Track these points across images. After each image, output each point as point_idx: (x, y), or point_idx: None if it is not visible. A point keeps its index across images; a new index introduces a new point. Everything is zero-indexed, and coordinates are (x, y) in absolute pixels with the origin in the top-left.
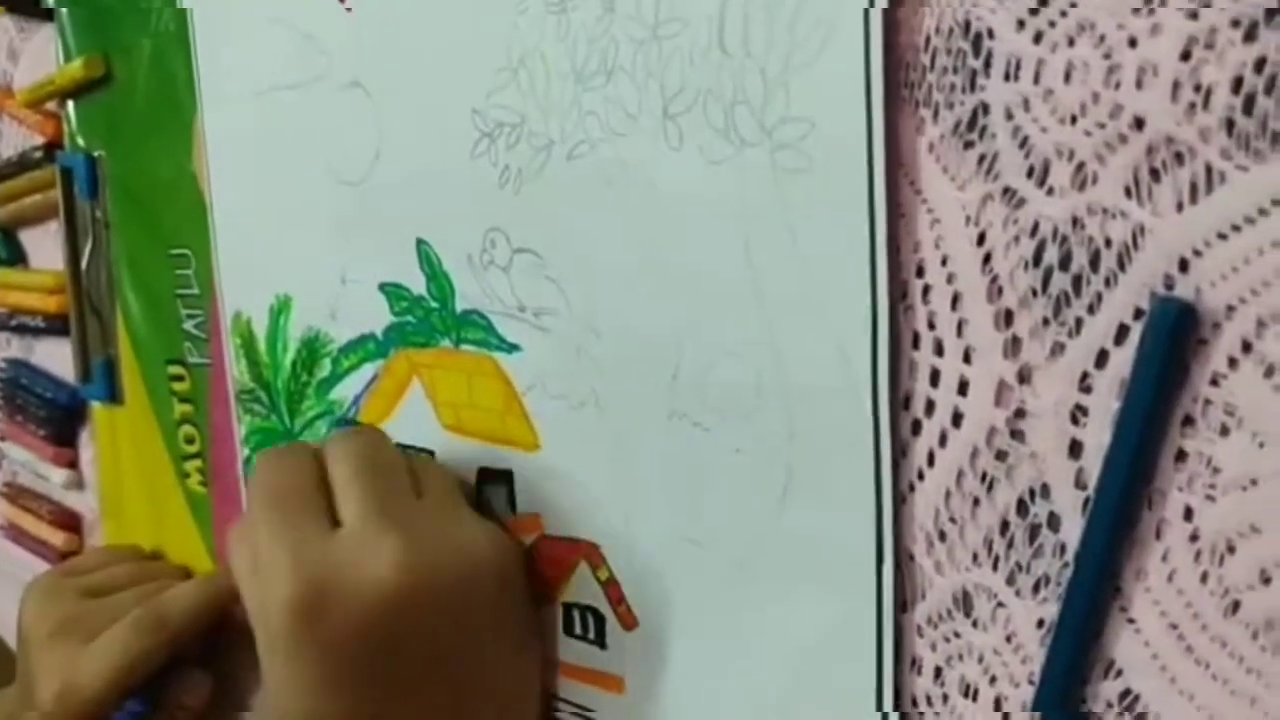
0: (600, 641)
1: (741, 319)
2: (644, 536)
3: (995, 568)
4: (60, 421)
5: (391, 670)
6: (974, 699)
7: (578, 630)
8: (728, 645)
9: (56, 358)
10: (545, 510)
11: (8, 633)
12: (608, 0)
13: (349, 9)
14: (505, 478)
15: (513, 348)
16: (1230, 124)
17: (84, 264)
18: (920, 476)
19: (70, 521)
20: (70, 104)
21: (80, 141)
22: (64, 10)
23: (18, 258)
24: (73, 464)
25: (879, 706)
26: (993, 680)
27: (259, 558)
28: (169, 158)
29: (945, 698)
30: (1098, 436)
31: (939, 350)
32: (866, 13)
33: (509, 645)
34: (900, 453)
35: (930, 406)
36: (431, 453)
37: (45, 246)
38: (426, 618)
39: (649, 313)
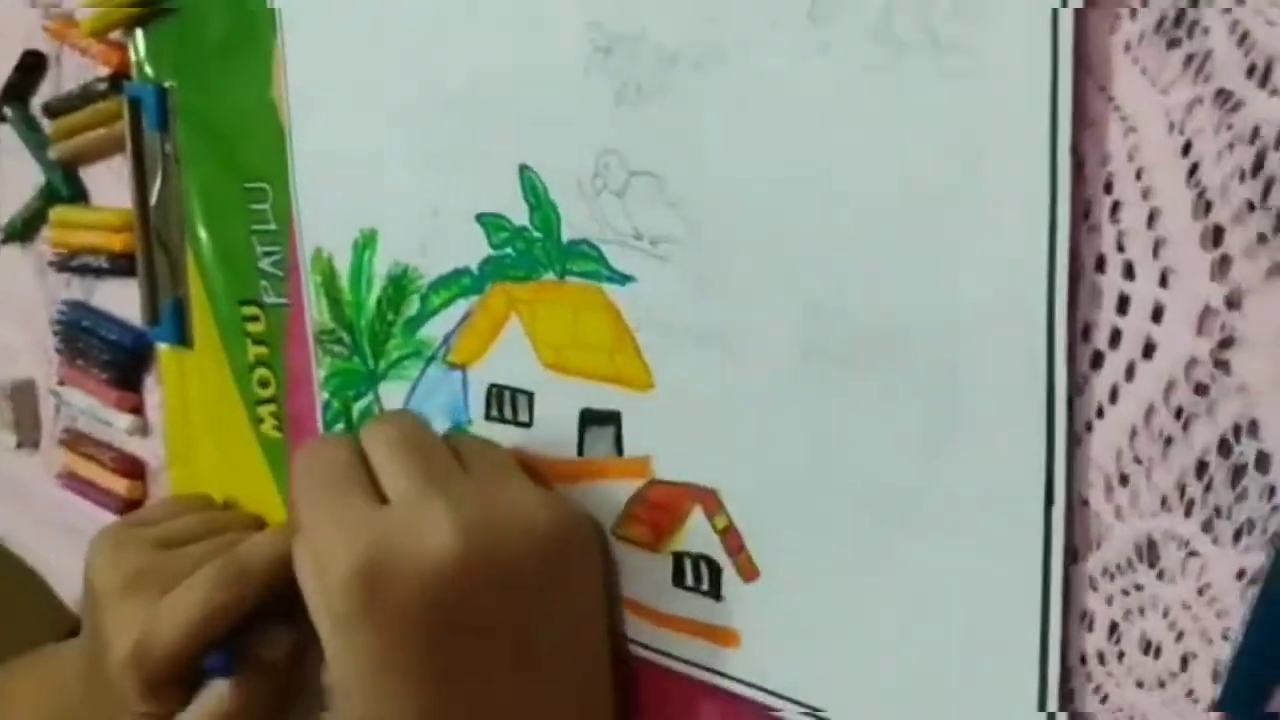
0: (715, 593)
1: (896, 243)
2: (771, 483)
3: (1188, 513)
4: (124, 365)
5: (454, 647)
6: (1156, 656)
7: (689, 581)
8: (864, 601)
9: (119, 299)
10: (657, 453)
11: (63, 586)
12: None
13: None
14: (612, 419)
15: (626, 279)
16: None
17: (153, 200)
18: (1100, 414)
19: (134, 469)
20: (138, 32)
21: (149, 71)
22: None
23: (78, 195)
24: (137, 409)
25: (1042, 670)
26: (1180, 636)
27: (312, 544)
28: (246, 86)
29: (1121, 655)
30: None
31: (1129, 273)
32: None
33: (576, 613)
34: (1077, 389)
35: (1116, 336)
36: (530, 394)
37: (107, 183)
38: (487, 586)
39: (785, 238)
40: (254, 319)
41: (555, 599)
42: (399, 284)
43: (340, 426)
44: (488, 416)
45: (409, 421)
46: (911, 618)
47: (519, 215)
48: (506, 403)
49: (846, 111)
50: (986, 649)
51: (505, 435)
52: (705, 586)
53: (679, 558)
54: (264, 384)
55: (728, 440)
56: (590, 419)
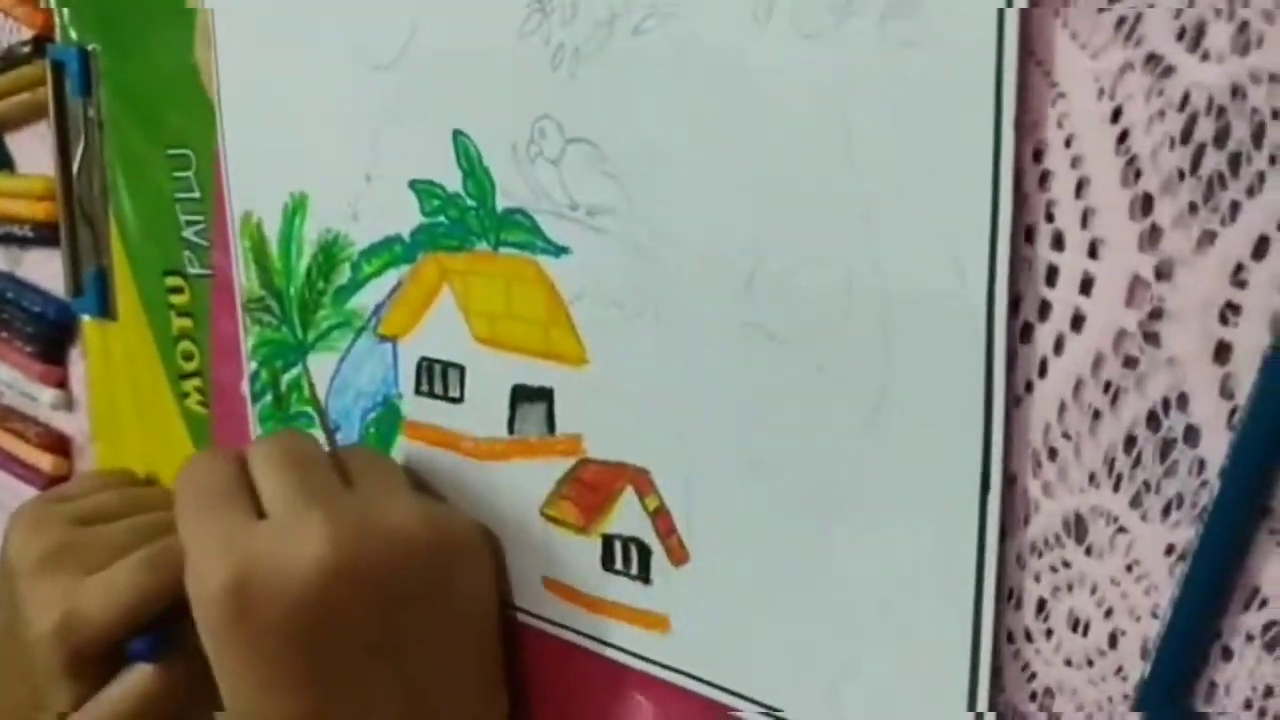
0: (644, 577)
1: (834, 220)
2: (704, 463)
3: (1117, 488)
4: (49, 338)
5: (329, 659)
6: (1084, 634)
7: (618, 565)
8: (795, 587)
9: (45, 270)
10: (589, 431)
11: None
12: None
13: None
14: (544, 395)
15: (561, 250)
16: None
17: (75, 167)
18: (1029, 388)
19: (59, 444)
20: None
21: (72, 34)
22: None
23: (4, 163)
24: (62, 383)
25: (974, 652)
26: (1108, 613)
27: (188, 555)
28: (169, 50)
29: (1049, 633)
30: (1251, 339)
31: (1058, 244)
32: None
33: (458, 621)
34: (1008, 361)
35: (1045, 309)
36: (462, 368)
37: (33, 150)
38: (359, 601)
39: (722, 211)
40: (178, 290)
41: (435, 608)
42: (329, 251)
43: (268, 398)
44: (418, 391)
45: (293, 438)
46: (843, 601)
47: (453, 182)
48: (437, 377)
49: (788, 79)
50: (918, 631)
51: (435, 411)
52: (635, 570)
53: (609, 540)
54: (188, 357)
55: (662, 418)
56: (522, 395)
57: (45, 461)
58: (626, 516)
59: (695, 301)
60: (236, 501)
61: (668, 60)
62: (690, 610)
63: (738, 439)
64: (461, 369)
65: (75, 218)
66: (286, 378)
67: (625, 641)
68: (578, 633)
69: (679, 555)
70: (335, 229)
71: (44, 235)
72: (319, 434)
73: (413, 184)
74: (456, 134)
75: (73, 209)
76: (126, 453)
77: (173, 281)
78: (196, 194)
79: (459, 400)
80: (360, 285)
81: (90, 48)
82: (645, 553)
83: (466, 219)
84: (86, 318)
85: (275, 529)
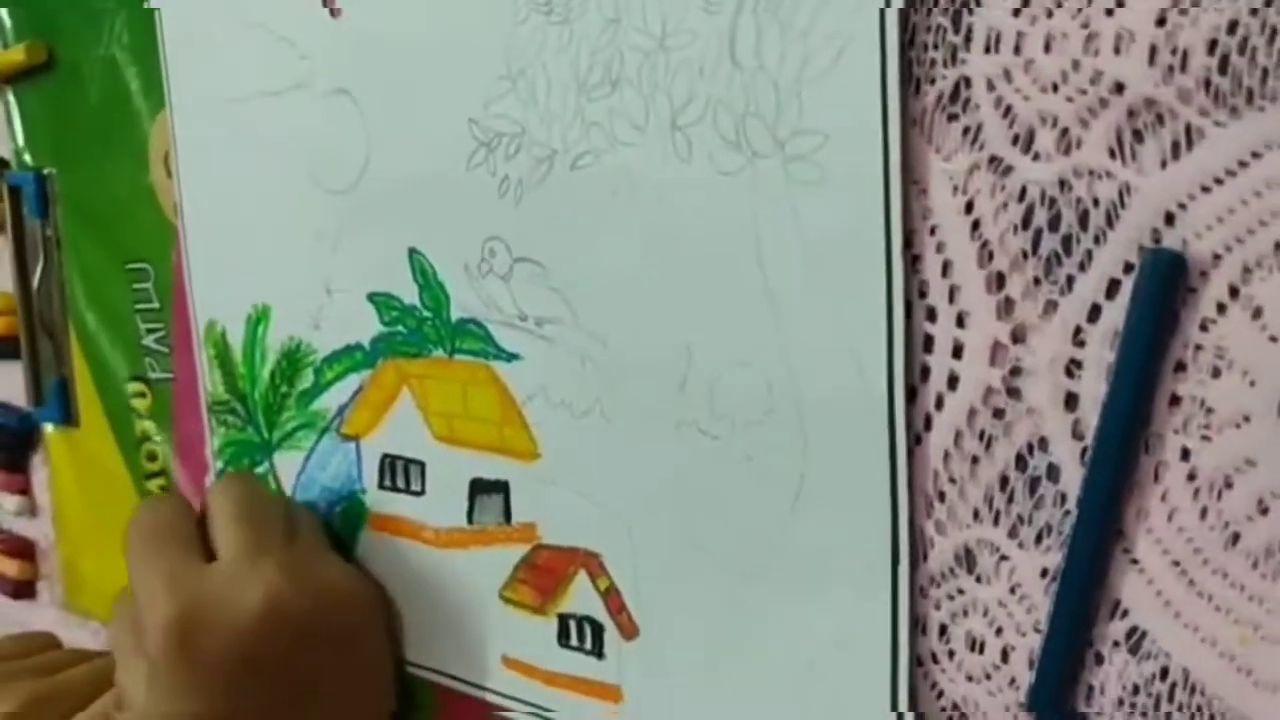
0: (598, 651)
1: (752, 328)
2: (648, 545)
3: (996, 522)
4: (11, 448)
5: (254, 688)
6: (980, 652)
7: (574, 641)
8: (734, 652)
9: (5, 383)
10: (543, 519)
11: None
12: (613, 11)
13: (336, 11)
14: (500, 488)
15: (512, 357)
16: (1207, 83)
17: (35, 284)
18: (918, 441)
19: (24, 549)
20: (18, 121)
21: (28, 159)
22: (7, 24)
23: None
24: (24, 490)
25: (894, 707)
26: (999, 631)
27: (135, 590)
28: (123, 172)
29: (951, 654)
30: (1093, 388)
31: (931, 317)
32: (883, 14)
33: (362, 673)
34: (895, 423)
35: (925, 372)
36: (422, 464)
37: None
38: (290, 644)
39: (656, 322)
40: (140, 395)
41: (343, 653)
42: (292, 358)
43: None
44: (381, 485)
45: (249, 486)
46: (771, 669)
47: (409, 295)
48: (400, 472)
49: (707, 211)
50: (841, 697)
51: (398, 504)
52: (589, 645)
53: (564, 619)
54: (151, 458)
55: (608, 506)
56: (479, 488)
57: (11, 567)
58: (579, 597)
59: (636, 402)
60: (187, 543)
61: (603, 191)
62: (640, 680)
63: (677, 524)
64: (422, 464)
65: (35, 331)
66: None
67: (582, 715)
68: (536, 706)
69: (629, 629)
70: (298, 337)
71: (4, 348)
72: None
73: (371, 296)
74: (412, 251)
75: (33, 322)
76: (90, 553)
77: (135, 387)
78: (156, 304)
79: (420, 493)
80: (323, 389)
81: (47, 171)
82: (598, 629)
83: (424, 328)
84: (49, 426)
85: (224, 572)
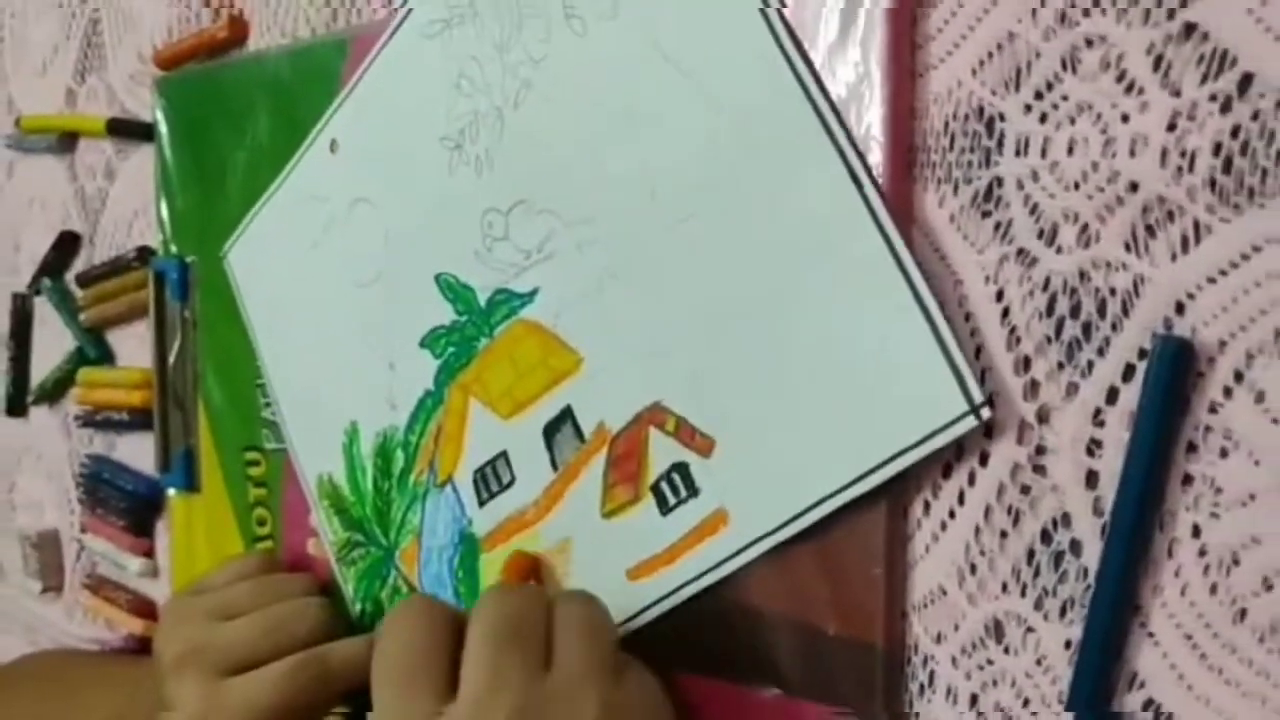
0: (693, 490)
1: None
2: (688, 354)
3: (1024, 594)
4: (139, 512)
5: None
6: None
7: (670, 500)
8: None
9: (137, 452)
10: (605, 412)
11: None
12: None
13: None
14: (566, 415)
15: (533, 294)
16: (1213, 183)
17: (171, 360)
18: (951, 515)
19: (146, 609)
20: (165, 213)
21: (173, 249)
22: (163, 130)
23: (105, 357)
24: (149, 553)
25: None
26: (1025, 703)
27: None
28: None
29: None
30: (1112, 466)
31: None
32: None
33: None
34: (934, 494)
35: (960, 450)
36: (505, 454)
37: (129, 345)
38: None
39: (616, 165)
40: (255, 463)
41: None
42: (384, 452)
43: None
44: (480, 504)
45: (514, 606)
46: (828, 381)
47: (447, 315)
48: (491, 478)
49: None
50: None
51: (499, 508)
52: (683, 493)
53: (656, 488)
54: (261, 523)
55: (645, 350)
56: (550, 430)
57: (136, 625)
58: (659, 453)
59: (626, 238)
60: (429, 681)
61: (541, 102)
62: (736, 486)
63: (705, 311)
64: (504, 454)
65: (168, 403)
66: (383, 593)
67: (700, 565)
68: (663, 599)
69: (706, 448)
70: (382, 429)
71: (138, 420)
72: None
73: (422, 342)
74: (438, 276)
75: (166, 396)
76: None
77: (251, 455)
78: None
79: (512, 482)
80: (413, 458)
81: (189, 259)
82: (684, 469)
83: (466, 332)
84: (173, 491)
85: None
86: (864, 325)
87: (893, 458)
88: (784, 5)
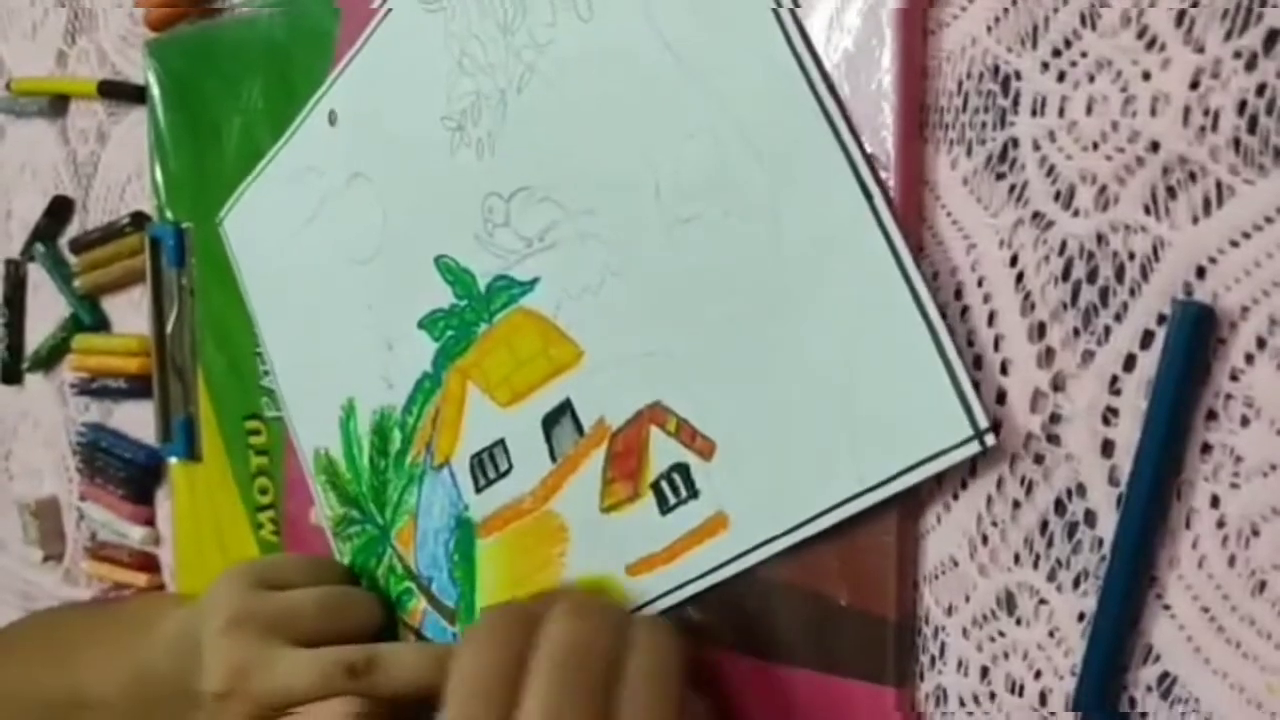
0: (692, 491)
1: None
2: (688, 356)
3: (1036, 566)
4: (139, 481)
5: None
6: (1020, 694)
7: (671, 500)
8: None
9: (135, 420)
10: (605, 408)
11: None
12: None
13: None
14: (565, 408)
15: (533, 282)
16: (1237, 143)
17: (169, 328)
18: (964, 484)
19: (150, 563)
20: (160, 178)
21: (168, 214)
22: (155, 92)
23: (101, 324)
24: (150, 521)
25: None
26: (1037, 675)
27: None
28: None
29: (992, 695)
30: (1128, 435)
31: (978, 365)
32: None
33: None
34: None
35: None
36: (502, 441)
37: (126, 312)
38: None
39: (620, 154)
40: (256, 432)
41: None
42: (381, 430)
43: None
44: (478, 490)
45: (586, 629)
46: (827, 394)
47: (446, 298)
48: (488, 464)
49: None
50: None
51: (496, 496)
52: (683, 493)
53: (656, 486)
54: (263, 491)
55: (646, 349)
56: (549, 422)
57: (140, 580)
58: (660, 453)
59: (629, 236)
60: (494, 706)
61: (546, 89)
62: (735, 490)
63: (703, 315)
64: (502, 442)
65: (167, 372)
66: (380, 571)
67: (701, 564)
68: (666, 594)
69: (707, 450)
70: (379, 407)
71: (136, 388)
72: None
73: (421, 323)
74: (438, 259)
75: (165, 364)
76: (206, 580)
77: (251, 424)
78: None
79: (509, 470)
80: (410, 438)
81: (185, 225)
82: (685, 471)
83: (465, 317)
84: (174, 460)
85: None
86: (869, 342)
87: (893, 477)
88: (797, 5)
